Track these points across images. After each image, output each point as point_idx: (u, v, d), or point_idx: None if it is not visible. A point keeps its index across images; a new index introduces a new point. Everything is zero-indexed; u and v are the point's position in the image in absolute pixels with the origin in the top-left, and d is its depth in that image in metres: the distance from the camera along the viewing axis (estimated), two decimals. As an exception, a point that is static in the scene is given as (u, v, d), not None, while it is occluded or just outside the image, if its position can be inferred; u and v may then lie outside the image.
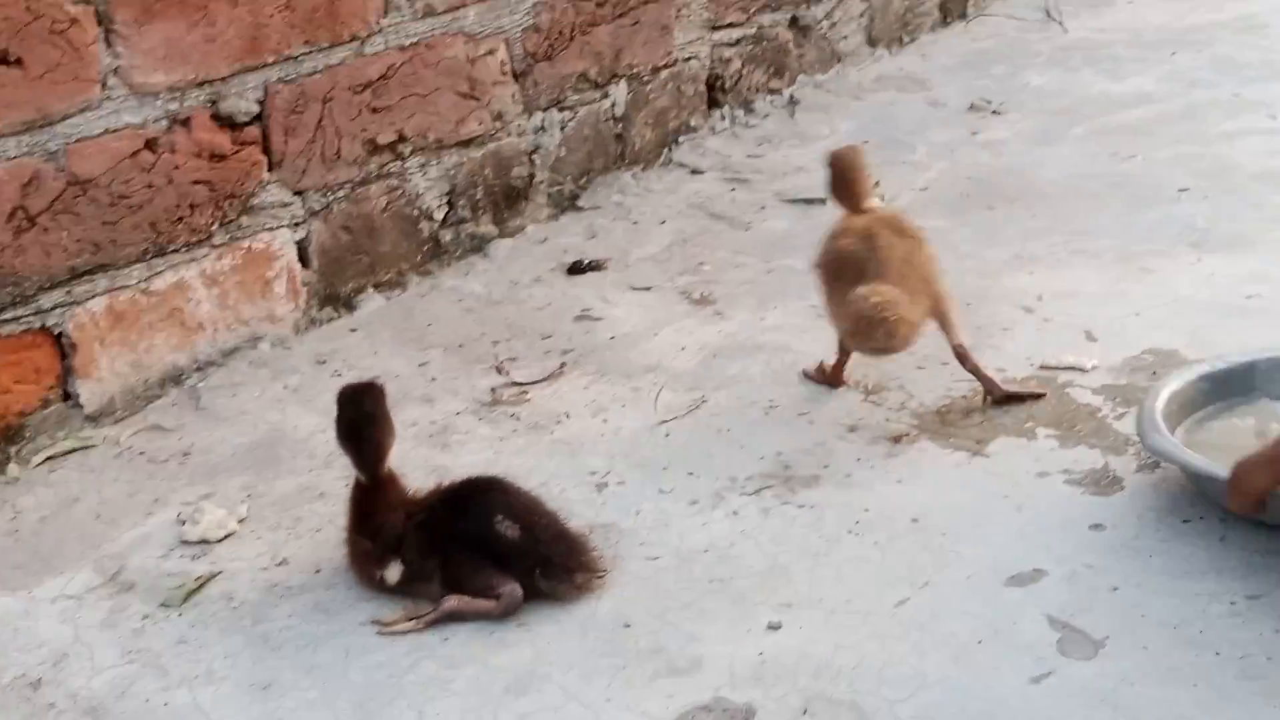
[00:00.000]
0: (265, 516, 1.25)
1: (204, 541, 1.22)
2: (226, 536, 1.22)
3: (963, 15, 2.50)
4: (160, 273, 1.44)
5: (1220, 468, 1.08)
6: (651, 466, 1.29)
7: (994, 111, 2.13)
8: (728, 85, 2.09)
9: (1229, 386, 1.27)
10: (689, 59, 2.02)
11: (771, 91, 2.17)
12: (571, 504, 1.22)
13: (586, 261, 1.72)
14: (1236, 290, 1.52)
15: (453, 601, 1.08)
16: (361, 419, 1.11)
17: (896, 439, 1.29)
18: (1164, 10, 2.56)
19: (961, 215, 1.78)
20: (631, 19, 1.91)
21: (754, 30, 2.12)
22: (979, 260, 1.64)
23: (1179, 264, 1.60)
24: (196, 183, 1.45)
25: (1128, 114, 2.08)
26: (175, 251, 1.45)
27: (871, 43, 2.33)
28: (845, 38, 2.28)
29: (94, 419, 1.41)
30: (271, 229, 1.54)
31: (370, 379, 1.15)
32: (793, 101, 2.18)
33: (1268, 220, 1.68)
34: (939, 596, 1.07)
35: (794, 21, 2.19)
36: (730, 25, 2.08)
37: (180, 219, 1.45)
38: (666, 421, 1.36)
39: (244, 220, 1.51)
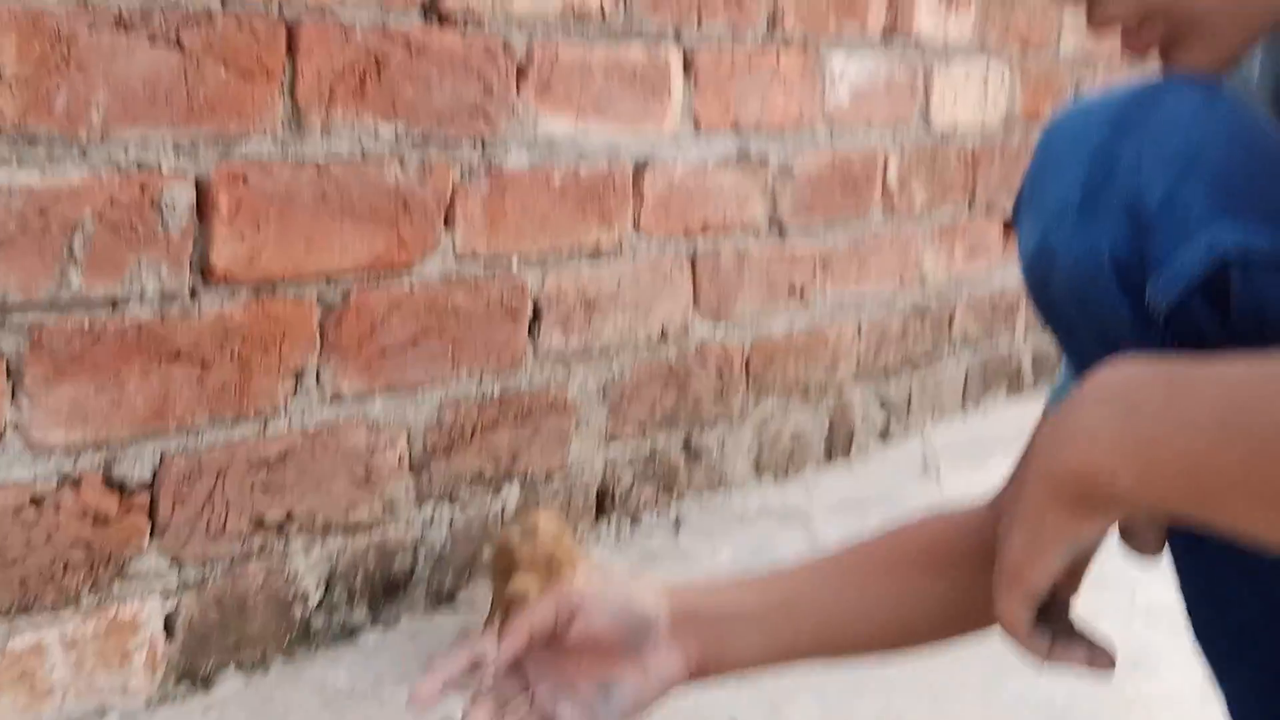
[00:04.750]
0: None
1: None
2: None
3: (846, 454, 2.59)
4: (21, 632, 1.39)
5: None
6: None
7: (871, 555, 2.18)
8: (617, 498, 2.13)
9: None
10: (582, 467, 2.06)
11: (659, 509, 2.21)
12: None
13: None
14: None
15: None
16: None
17: None
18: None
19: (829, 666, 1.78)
20: (532, 425, 1.95)
21: (648, 448, 2.17)
22: (845, 715, 1.64)
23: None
24: (75, 544, 1.42)
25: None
26: (40, 611, 1.41)
27: (759, 472, 2.40)
28: (734, 464, 2.34)
29: (-82, 782, 1.33)
30: (142, 597, 1.50)
31: None
32: (678, 521, 2.21)
33: (1126, 701, 1.71)
34: None
35: (687, 444, 2.24)
36: (626, 439, 2.13)
37: (52, 578, 1.41)
38: None
39: (116, 586, 1.48)
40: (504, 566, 1.67)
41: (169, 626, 1.54)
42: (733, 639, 1.19)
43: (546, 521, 1.70)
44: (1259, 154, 0.91)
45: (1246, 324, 0.85)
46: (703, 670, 1.18)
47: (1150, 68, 0.93)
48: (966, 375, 2.92)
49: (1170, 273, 0.88)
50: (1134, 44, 0.94)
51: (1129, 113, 0.94)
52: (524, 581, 1.61)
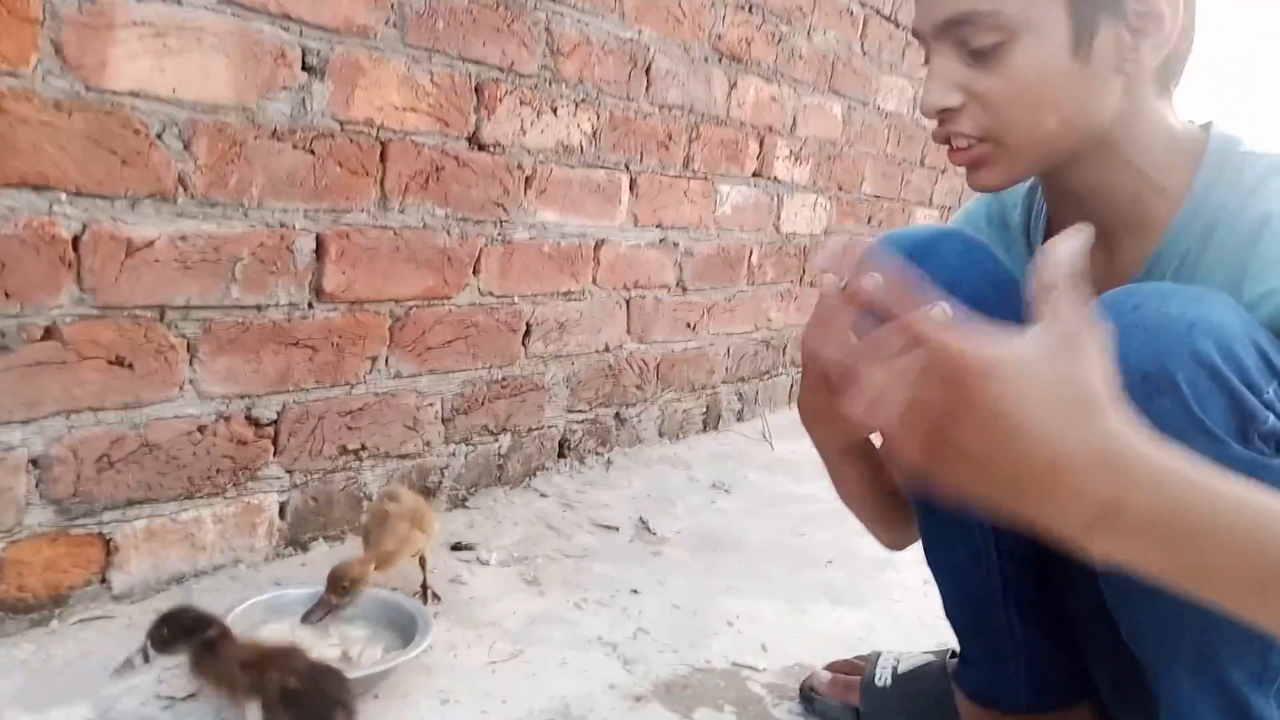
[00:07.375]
0: (216, 688, 1.16)
1: (171, 697, 1.13)
2: (190, 696, 1.13)
3: (715, 428, 2.59)
4: (187, 510, 1.38)
5: None
6: (479, 692, 1.23)
7: (725, 491, 2.19)
8: (571, 446, 2.12)
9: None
10: (550, 426, 2.05)
11: (597, 454, 2.21)
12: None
13: (463, 543, 1.69)
14: (854, 633, 1.54)
15: None
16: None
17: (639, 697, 1.26)
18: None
19: (698, 555, 1.80)
20: (521, 398, 1.95)
21: (593, 415, 2.17)
22: (704, 586, 1.65)
23: (821, 609, 1.62)
24: (225, 456, 1.41)
25: (804, 507, 2.13)
26: (201, 498, 1.40)
27: (661, 435, 2.40)
28: (645, 428, 2.35)
29: (118, 599, 1.31)
30: (266, 492, 1.49)
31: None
32: (609, 463, 2.21)
33: (878, 589, 1.73)
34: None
35: (617, 415, 2.25)
36: (579, 411, 2.13)
37: (208, 477, 1.40)
38: (494, 662, 1.32)
39: (249, 484, 1.47)
40: (379, 520, 1.42)
41: (282, 511, 1.53)
42: None
43: (407, 492, 1.49)
44: (998, 288, 0.93)
45: None
46: None
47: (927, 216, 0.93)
48: (792, 383, 2.94)
49: None
50: (958, 158, 0.89)
51: (918, 250, 0.96)
52: (397, 529, 1.39)
